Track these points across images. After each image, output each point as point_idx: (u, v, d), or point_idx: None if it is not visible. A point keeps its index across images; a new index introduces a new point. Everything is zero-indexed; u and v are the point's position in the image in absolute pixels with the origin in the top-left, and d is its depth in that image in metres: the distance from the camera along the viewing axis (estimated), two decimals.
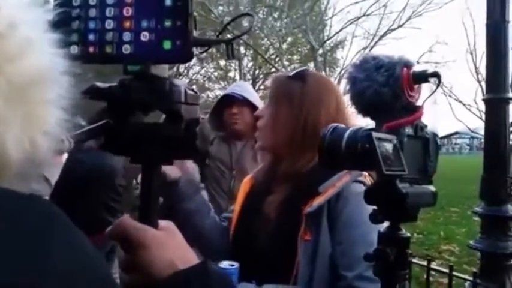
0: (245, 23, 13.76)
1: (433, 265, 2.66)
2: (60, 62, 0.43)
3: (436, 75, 0.83)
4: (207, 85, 17.42)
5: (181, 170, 1.32)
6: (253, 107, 2.36)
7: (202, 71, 17.61)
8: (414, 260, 2.71)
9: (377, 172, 0.79)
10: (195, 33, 0.56)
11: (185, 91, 0.58)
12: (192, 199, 1.33)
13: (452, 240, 6.14)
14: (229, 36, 0.61)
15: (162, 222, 0.62)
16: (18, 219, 0.35)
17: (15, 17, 0.41)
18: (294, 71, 1.30)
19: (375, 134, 0.76)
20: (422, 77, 0.84)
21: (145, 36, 0.57)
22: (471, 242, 2.35)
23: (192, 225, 1.31)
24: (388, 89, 0.84)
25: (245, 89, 2.54)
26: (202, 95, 16.91)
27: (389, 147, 0.79)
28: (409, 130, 0.84)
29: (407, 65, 0.84)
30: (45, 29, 0.43)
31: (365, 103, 0.86)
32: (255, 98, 2.50)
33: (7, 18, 0.40)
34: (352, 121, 1.23)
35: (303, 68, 1.34)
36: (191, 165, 1.37)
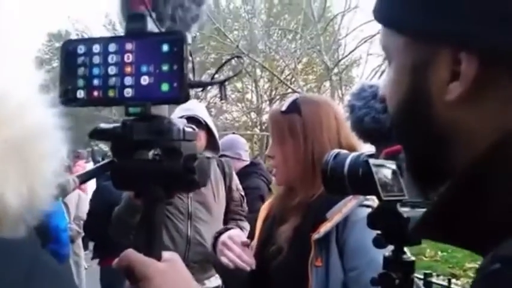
0: (260, 46, 13.97)
1: (457, 284, 2.61)
2: (53, 119, 0.46)
3: None
4: (224, 107, 17.59)
5: None
6: (208, 130, 2.35)
7: None
8: (434, 280, 2.66)
9: (377, 197, 0.81)
10: (191, 76, 0.60)
11: (183, 129, 0.62)
12: None
13: (477, 258, 5.95)
14: (232, 72, 0.64)
15: (166, 254, 0.65)
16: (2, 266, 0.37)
17: (9, 84, 0.44)
18: (286, 104, 1.31)
19: (372, 161, 0.78)
20: None
21: (145, 80, 0.61)
22: None
23: None
24: (387, 115, 0.86)
25: (205, 114, 2.48)
26: (220, 117, 17.04)
27: (387, 173, 0.80)
28: None
29: None
30: (39, 90, 0.46)
31: (364, 130, 0.88)
32: (210, 121, 2.44)
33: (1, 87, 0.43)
34: (354, 140, 1.25)
35: (293, 97, 1.34)
36: None
